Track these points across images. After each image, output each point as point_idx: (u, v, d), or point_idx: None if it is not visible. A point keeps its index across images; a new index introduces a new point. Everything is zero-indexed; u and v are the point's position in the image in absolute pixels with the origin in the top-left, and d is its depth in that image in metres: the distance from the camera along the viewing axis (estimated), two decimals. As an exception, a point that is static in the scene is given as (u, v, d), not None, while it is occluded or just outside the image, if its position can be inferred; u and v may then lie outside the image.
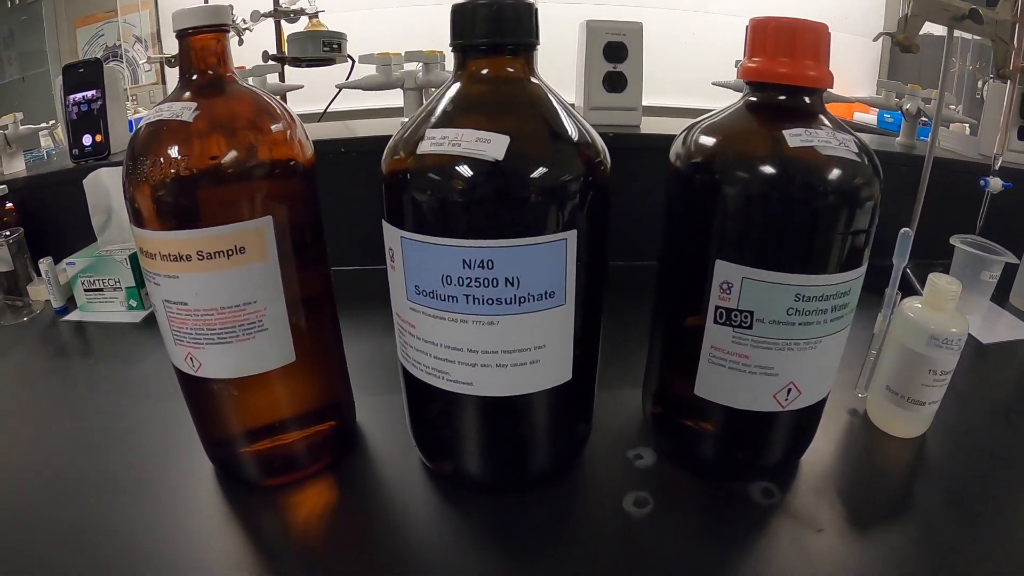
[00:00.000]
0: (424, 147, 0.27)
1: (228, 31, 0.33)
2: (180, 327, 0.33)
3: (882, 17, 1.78)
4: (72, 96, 0.83)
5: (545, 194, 0.28)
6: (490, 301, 0.28)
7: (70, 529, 0.35)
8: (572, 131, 0.29)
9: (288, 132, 0.33)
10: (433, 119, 0.29)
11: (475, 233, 0.27)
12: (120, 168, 0.73)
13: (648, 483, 0.37)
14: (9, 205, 0.75)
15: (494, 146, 0.26)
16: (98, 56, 1.85)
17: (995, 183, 0.63)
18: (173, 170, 0.30)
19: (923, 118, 0.80)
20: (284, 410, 0.37)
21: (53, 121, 1.15)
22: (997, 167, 0.64)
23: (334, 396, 0.40)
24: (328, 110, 0.97)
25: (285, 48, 0.88)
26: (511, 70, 0.30)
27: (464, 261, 0.27)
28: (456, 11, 0.29)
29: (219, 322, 0.32)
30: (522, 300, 0.28)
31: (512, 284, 0.28)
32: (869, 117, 1.57)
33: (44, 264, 0.64)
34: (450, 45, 0.30)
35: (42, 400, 0.50)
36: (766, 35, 0.31)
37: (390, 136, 0.79)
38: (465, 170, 0.27)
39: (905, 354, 0.40)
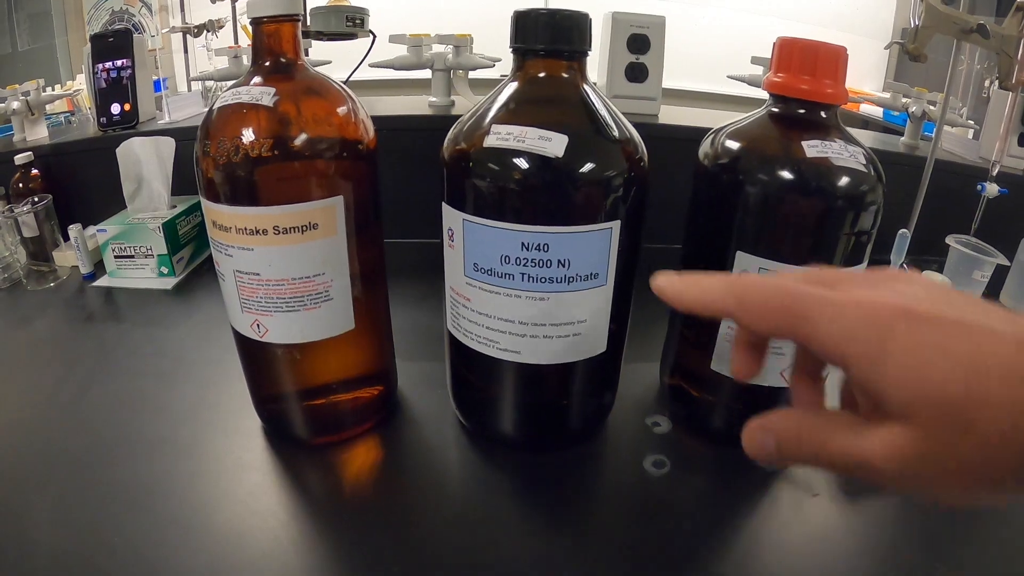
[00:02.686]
0: (491, 141, 0.31)
1: (300, 19, 0.35)
2: (249, 296, 0.35)
3: (892, 14, 1.81)
4: (101, 64, 0.84)
5: (597, 188, 0.31)
6: (543, 280, 0.32)
7: (122, 489, 0.37)
8: (618, 132, 0.33)
9: (356, 116, 0.36)
10: (496, 115, 0.32)
11: (534, 219, 0.31)
12: (152, 138, 0.75)
13: (665, 447, 0.41)
14: (35, 172, 0.76)
15: (555, 144, 0.30)
16: (105, 21, 1.83)
17: (991, 188, 0.67)
18: (254, 151, 0.32)
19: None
20: (339, 374, 0.40)
21: (73, 85, 1.16)
22: (995, 173, 0.67)
23: (383, 362, 0.43)
24: (348, 80, 0.99)
25: (308, 22, 0.90)
26: (565, 75, 0.33)
27: (523, 244, 0.31)
28: (518, 17, 0.32)
29: (289, 292, 0.35)
30: (570, 280, 0.32)
31: (563, 265, 0.31)
32: (876, 110, 1.60)
33: (74, 230, 0.65)
34: (510, 48, 0.33)
35: (80, 364, 0.51)
36: (792, 54, 0.35)
37: (417, 115, 0.81)
38: (530, 164, 0.30)
39: (898, 342, 0.44)
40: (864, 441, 0.20)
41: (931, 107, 0.83)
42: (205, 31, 1.02)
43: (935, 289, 0.20)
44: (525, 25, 0.32)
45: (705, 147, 0.39)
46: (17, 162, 0.74)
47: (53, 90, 0.98)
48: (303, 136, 0.33)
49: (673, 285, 0.23)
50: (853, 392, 0.21)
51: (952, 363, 0.18)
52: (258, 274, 0.35)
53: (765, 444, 0.22)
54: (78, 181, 0.79)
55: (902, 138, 0.86)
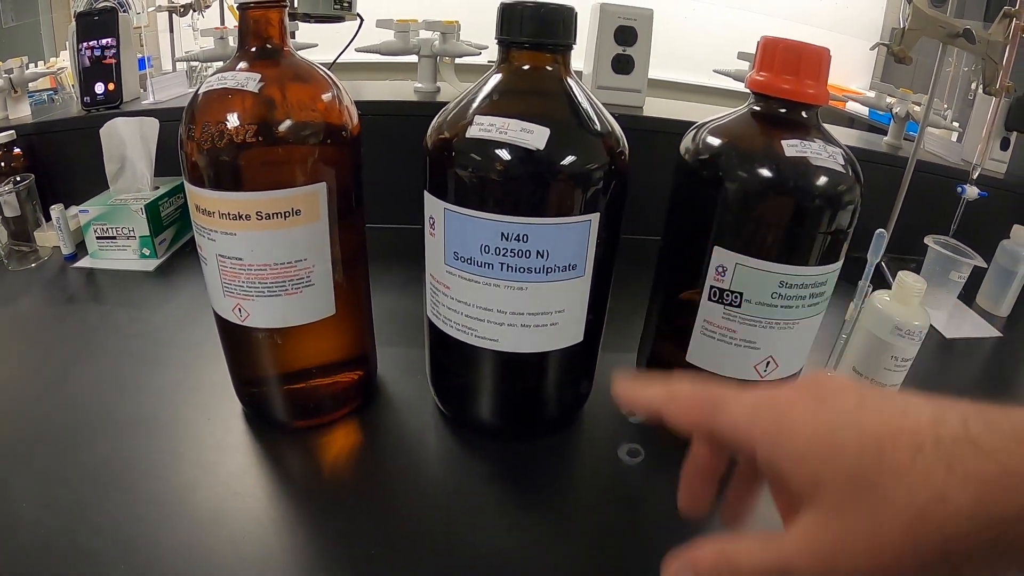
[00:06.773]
0: (473, 131, 0.31)
1: (287, 6, 0.35)
2: (232, 280, 0.36)
3: (882, 14, 1.82)
4: (86, 43, 0.82)
5: (576, 181, 0.32)
6: (522, 270, 0.32)
7: (103, 469, 0.37)
8: (600, 125, 0.33)
9: (340, 103, 0.36)
10: (479, 105, 0.33)
11: (514, 210, 0.31)
12: (136, 118, 0.74)
13: (640, 437, 0.42)
14: (17, 151, 0.75)
15: (536, 136, 0.30)
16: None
17: (971, 191, 0.68)
18: (239, 137, 0.32)
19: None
20: (319, 358, 0.40)
21: (57, 63, 1.13)
22: (975, 176, 0.68)
23: (363, 348, 0.44)
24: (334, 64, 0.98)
25: (296, 4, 0.89)
26: (549, 68, 0.33)
27: (502, 234, 0.31)
28: (504, 9, 0.32)
29: (271, 277, 0.35)
30: (549, 270, 0.33)
31: (542, 256, 0.32)
32: (862, 108, 1.61)
33: (56, 211, 0.64)
34: (496, 39, 0.33)
35: (63, 344, 0.51)
36: (775, 54, 0.35)
37: (402, 101, 0.81)
38: (511, 156, 0.31)
39: (871, 340, 0.45)
40: (778, 544, 0.19)
41: (916, 108, 0.84)
42: (191, 10, 1.00)
43: (851, 382, 0.20)
44: (511, 17, 0.32)
45: (686, 142, 0.39)
46: (-1, 141, 0.72)
47: (36, 67, 0.96)
48: (288, 122, 0.33)
49: (626, 390, 0.25)
50: (774, 498, 0.22)
51: (859, 433, 0.17)
52: (240, 259, 0.35)
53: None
54: (61, 161, 0.78)
55: (885, 138, 0.87)
